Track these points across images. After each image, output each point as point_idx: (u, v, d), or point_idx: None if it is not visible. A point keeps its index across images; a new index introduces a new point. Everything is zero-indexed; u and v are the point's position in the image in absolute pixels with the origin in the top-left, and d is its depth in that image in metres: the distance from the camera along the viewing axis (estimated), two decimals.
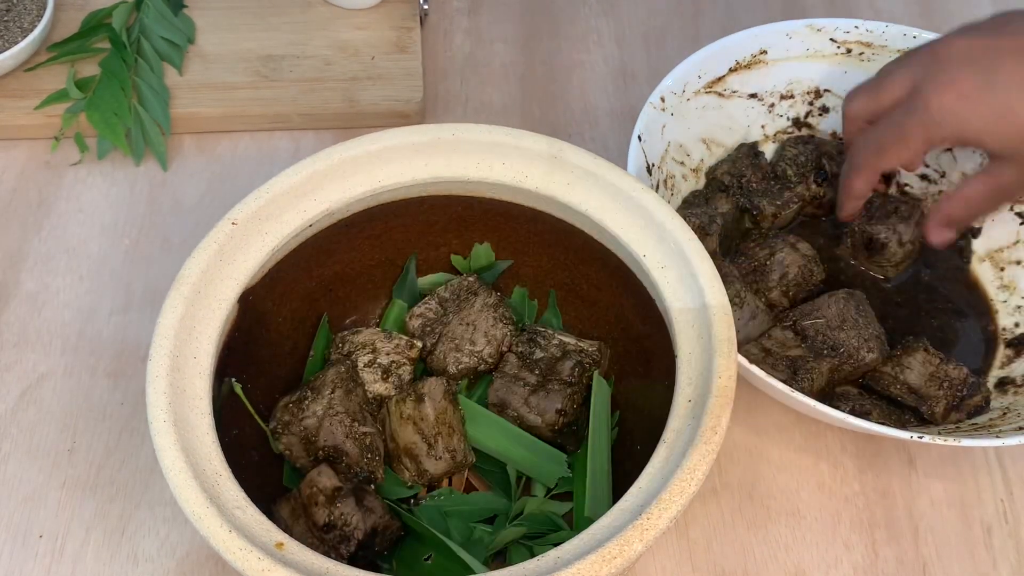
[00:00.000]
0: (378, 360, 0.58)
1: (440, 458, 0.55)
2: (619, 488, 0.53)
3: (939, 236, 0.64)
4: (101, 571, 0.57)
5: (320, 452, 0.54)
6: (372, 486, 0.55)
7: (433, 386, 0.56)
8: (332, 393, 0.55)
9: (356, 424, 0.55)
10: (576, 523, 0.54)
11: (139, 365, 0.65)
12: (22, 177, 0.74)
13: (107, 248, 0.70)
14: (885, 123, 0.60)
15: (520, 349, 0.59)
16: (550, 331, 0.59)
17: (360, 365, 0.58)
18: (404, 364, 0.59)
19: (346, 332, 0.59)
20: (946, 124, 0.57)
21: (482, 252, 0.62)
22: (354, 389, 0.56)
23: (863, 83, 0.63)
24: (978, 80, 0.55)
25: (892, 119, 0.60)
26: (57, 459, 0.61)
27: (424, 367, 0.61)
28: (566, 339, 0.59)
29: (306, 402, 0.55)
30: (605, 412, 0.57)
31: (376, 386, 0.58)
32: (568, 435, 0.57)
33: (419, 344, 0.59)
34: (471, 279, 0.61)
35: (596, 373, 0.57)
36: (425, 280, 0.63)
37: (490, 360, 0.59)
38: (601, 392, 0.57)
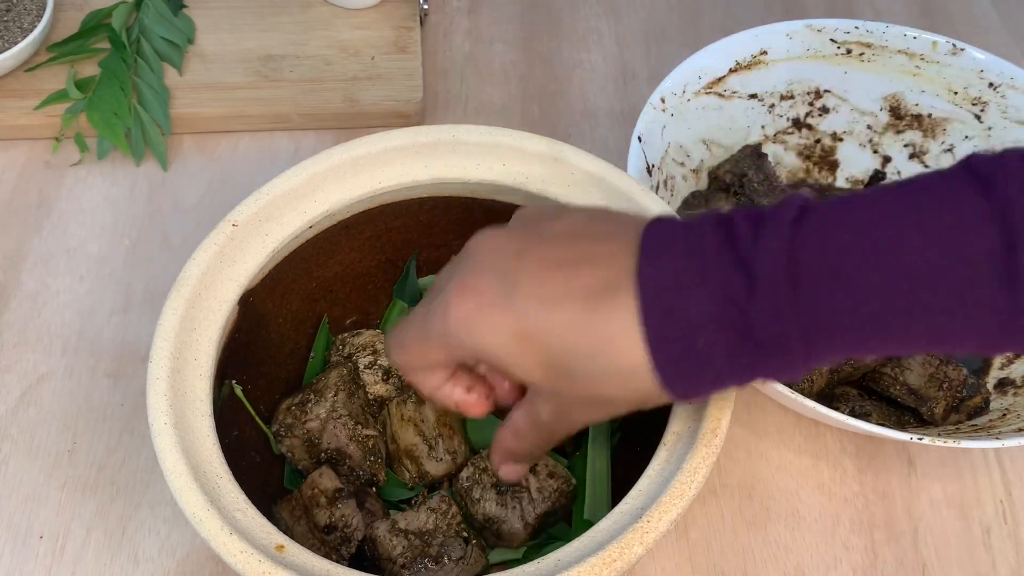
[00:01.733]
0: (379, 362, 0.58)
1: (441, 459, 0.55)
2: (619, 490, 0.53)
3: (507, 472, 0.51)
4: (102, 571, 0.57)
5: (323, 454, 0.54)
6: (374, 488, 0.55)
7: None
8: (335, 396, 0.55)
9: (359, 427, 0.55)
10: (575, 526, 0.54)
11: (139, 366, 0.65)
12: (22, 177, 0.74)
13: (107, 248, 0.70)
14: (413, 315, 0.48)
15: None
16: None
17: (361, 367, 0.58)
18: None
19: (346, 334, 0.59)
20: (463, 338, 0.44)
21: None
22: (356, 392, 0.56)
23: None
24: (499, 291, 0.43)
25: (418, 313, 0.47)
26: (57, 459, 0.61)
27: None
28: None
29: (309, 404, 0.55)
30: None
31: (377, 387, 0.58)
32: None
33: None
34: None
35: None
36: (426, 280, 0.63)
37: None
38: None
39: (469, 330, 0.44)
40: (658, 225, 0.42)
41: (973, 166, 0.38)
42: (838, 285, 0.38)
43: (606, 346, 0.41)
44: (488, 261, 0.45)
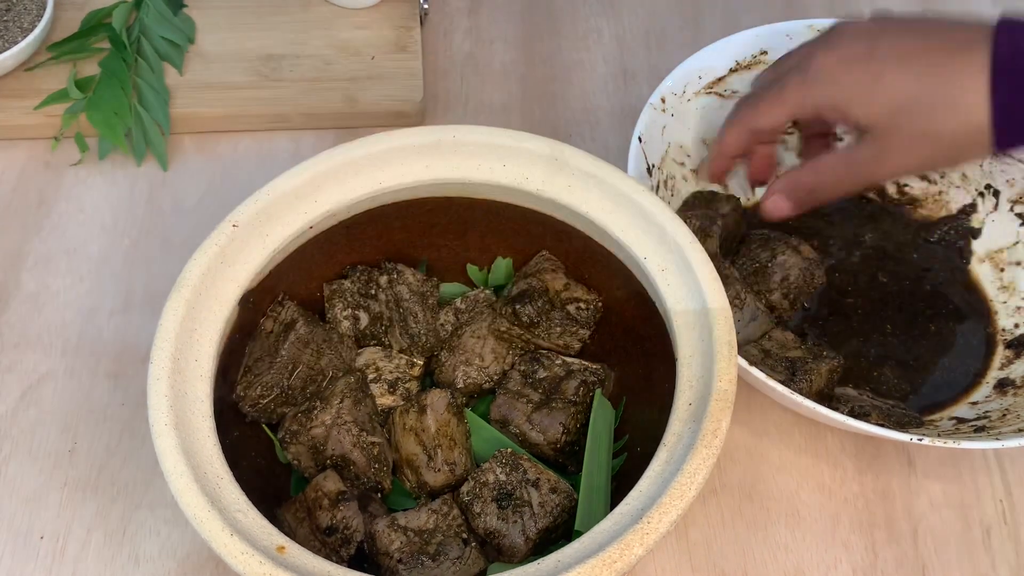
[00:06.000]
0: (383, 377, 0.58)
1: (439, 470, 0.55)
2: (620, 490, 0.53)
3: (774, 205, 0.60)
4: (102, 572, 0.57)
5: (328, 461, 0.54)
6: (379, 495, 0.55)
7: (436, 398, 0.56)
8: (341, 403, 0.55)
9: (364, 434, 0.55)
10: (572, 537, 0.54)
11: (139, 366, 0.65)
12: (22, 177, 0.74)
13: (107, 248, 0.70)
14: (769, 81, 0.59)
15: (523, 367, 0.59)
16: (552, 353, 0.59)
17: (367, 379, 0.58)
18: (410, 380, 0.59)
19: None
20: (820, 84, 0.55)
21: (502, 267, 0.62)
22: (363, 400, 0.56)
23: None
24: (861, 48, 0.54)
25: (778, 78, 0.58)
26: (58, 460, 0.61)
27: (431, 379, 0.61)
28: (569, 359, 0.59)
29: (315, 412, 0.55)
30: (606, 430, 0.56)
31: (384, 399, 0.58)
32: (570, 455, 0.57)
33: (420, 362, 0.59)
34: (487, 292, 0.61)
35: (598, 392, 0.57)
36: (451, 287, 0.63)
37: (495, 378, 0.59)
38: (602, 410, 0.57)
39: (832, 77, 0.54)
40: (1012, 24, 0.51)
41: None
42: None
43: (950, 99, 0.51)
44: (851, 31, 0.55)
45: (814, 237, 0.70)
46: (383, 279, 0.59)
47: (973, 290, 0.70)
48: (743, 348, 0.61)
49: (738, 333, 0.61)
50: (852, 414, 0.59)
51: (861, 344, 0.66)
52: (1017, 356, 0.65)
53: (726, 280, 0.61)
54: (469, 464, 0.56)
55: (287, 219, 0.56)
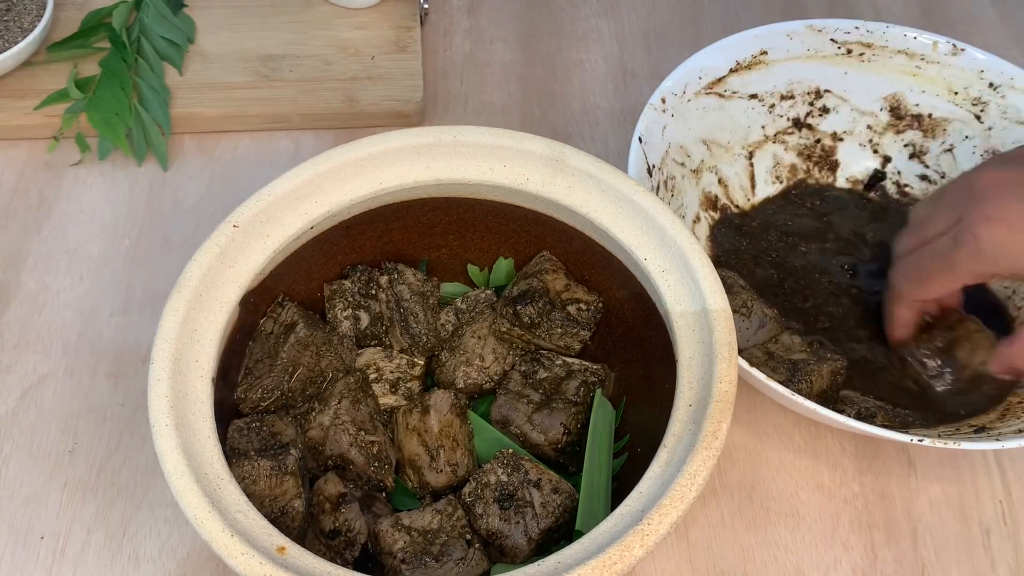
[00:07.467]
0: (384, 376, 0.58)
1: (441, 471, 0.55)
2: (620, 490, 0.53)
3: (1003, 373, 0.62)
4: (102, 572, 0.57)
5: (329, 461, 0.54)
6: (384, 494, 0.55)
7: (440, 399, 0.56)
8: (339, 404, 0.55)
9: (362, 433, 0.54)
10: (573, 537, 0.54)
11: (140, 366, 0.65)
12: (22, 177, 0.74)
13: (107, 249, 0.70)
14: (928, 253, 0.59)
15: (523, 368, 0.59)
16: (553, 353, 0.59)
17: (368, 379, 0.58)
18: (411, 380, 0.59)
19: None
20: (1000, 259, 0.56)
21: (503, 267, 0.62)
22: (364, 399, 0.56)
23: (905, 228, 0.63)
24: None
25: (936, 249, 0.58)
26: (58, 460, 0.61)
27: (432, 379, 0.61)
28: (570, 360, 0.59)
29: (312, 414, 0.55)
30: (606, 430, 0.56)
31: (386, 399, 0.58)
32: (571, 455, 0.57)
33: (420, 362, 0.59)
34: (488, 293, 0.61)
35: (599, 392, 0.57)
36: (451, 287, 0.63)
37: (496, 378, 0.59)
38: (602, 410, 0.57)
39: (1007, 250, 0.55)
40: None
41: None
42: None
43: None
44: (999, 189, 0.56)
45: (813, 236, 0.71)
46: (383, 279, 0.59)
47: (973, 289, 0.69)
48: (748, 350, 0.61)
49: (747, 341, 0.61)
50: (859, 416, 0.59)
51: (864, 344, 0.66)
52: None
53: (732, 290, 0.61)
54: (471, 465, 0.56)
55: (287, 219, 0.56)
